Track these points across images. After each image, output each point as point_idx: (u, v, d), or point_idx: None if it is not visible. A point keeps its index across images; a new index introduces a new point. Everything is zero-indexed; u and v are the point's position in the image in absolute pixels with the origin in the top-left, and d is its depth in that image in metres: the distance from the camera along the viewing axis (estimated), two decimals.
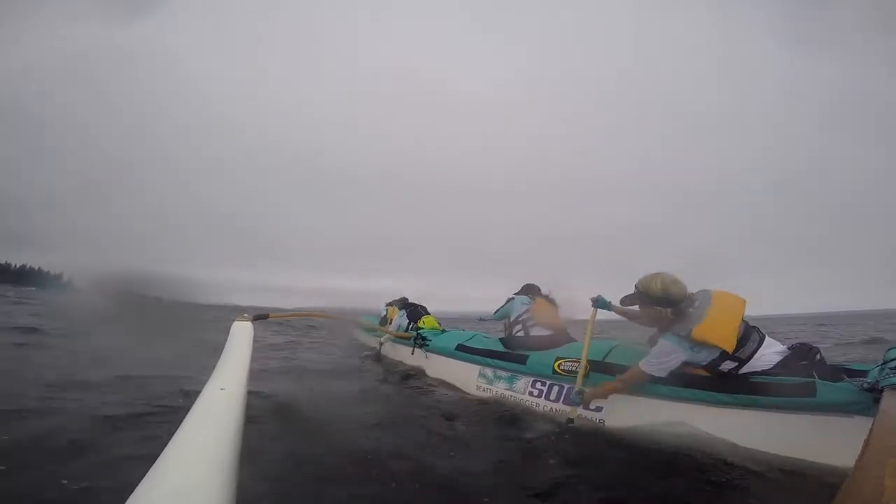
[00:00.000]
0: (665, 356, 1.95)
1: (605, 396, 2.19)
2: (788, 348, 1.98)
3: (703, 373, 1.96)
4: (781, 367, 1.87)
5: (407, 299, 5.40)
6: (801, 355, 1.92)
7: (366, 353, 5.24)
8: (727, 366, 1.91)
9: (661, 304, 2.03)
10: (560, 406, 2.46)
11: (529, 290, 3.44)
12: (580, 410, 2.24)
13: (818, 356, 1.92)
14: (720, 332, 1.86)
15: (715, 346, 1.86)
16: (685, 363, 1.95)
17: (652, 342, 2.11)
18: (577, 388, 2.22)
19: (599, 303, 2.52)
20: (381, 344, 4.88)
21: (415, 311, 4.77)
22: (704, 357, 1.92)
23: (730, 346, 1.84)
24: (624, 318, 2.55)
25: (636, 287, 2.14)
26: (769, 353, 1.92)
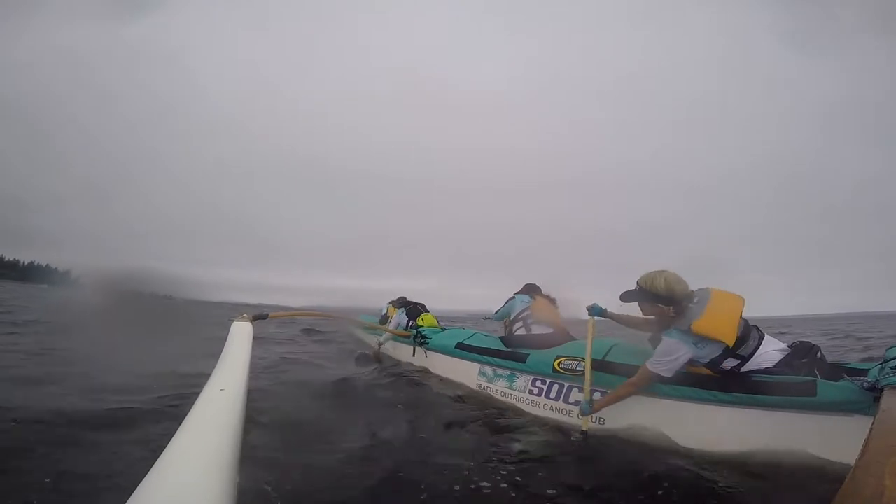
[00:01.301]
0: (672, 354, 1.93)
1: (615, 403, 2.13)
2: (788, 346, 1.98)
3: (705, 371, 1.96)
4: (783, 365, 1.87)
5: (405, 298, 5.41)
6: (802, 354, 1.92)
7: (366, 351, 5.24)
8: (729, 364, 1.90)
9: (665, 301, 2.03)
10: (560, 404, 2.46)
11: (530, 290, 3.44)
12: (590, 422, 2.18)
13: (819, 354, 1.92)
14: (720, 327, 1.85)
15: (717, 341, 1.86)
16: (689, 361, 1.94)
17: (653, 341, 2.10)
18: (585, 398, 2.18)
19: (595, 311, 2.51)
20: (380, 343, 4.89)
21: (414, 310, 4.78)
22: (707, 353, 1.91)
23: (730, 340, 1.84)
24: (620, 324, 2.54)
25: (638, 284, 2.13)
26: (770, 351, 1.91)
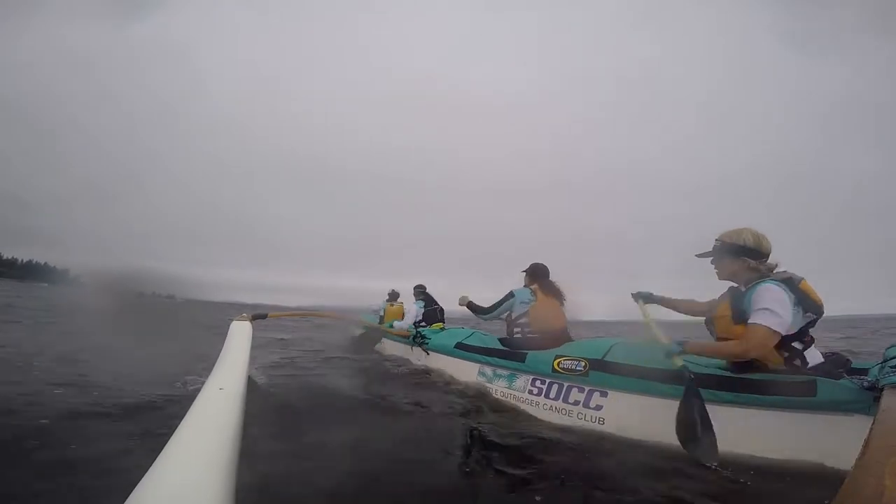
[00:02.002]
0: (784, 301, 1.70)
1: (706, 354, 1.97)
2: (823, 355, 1.88)
3: (704, 371, 1.95)
4: (826, 366, 1.80)
5: (424, 288, 5.13)
6: (840, 364, 1.85)
7: (365, 351, 5.24)
8: (798, 345, 1.77)
9: (752, 255, 1.88)
10: (560, 404, 2.46)
11: (536, 272, 3.30)
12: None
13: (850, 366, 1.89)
14: (817, 294, 1.75)
15: (813, 306, 1.74)
16: None
17: (736, 304, 1.88)
18: (668, 343, 1.98)
19: (643, 297, 2.38)
20: (380, 342, 4.89)
21: (432, 314, 4.62)
22: (797, 321, 1.74)
23: (821, 311, 1.73)
24: (672, 311, 2.39)
25: (720, 240, 1.99)
26: (814, 352, 1.84)
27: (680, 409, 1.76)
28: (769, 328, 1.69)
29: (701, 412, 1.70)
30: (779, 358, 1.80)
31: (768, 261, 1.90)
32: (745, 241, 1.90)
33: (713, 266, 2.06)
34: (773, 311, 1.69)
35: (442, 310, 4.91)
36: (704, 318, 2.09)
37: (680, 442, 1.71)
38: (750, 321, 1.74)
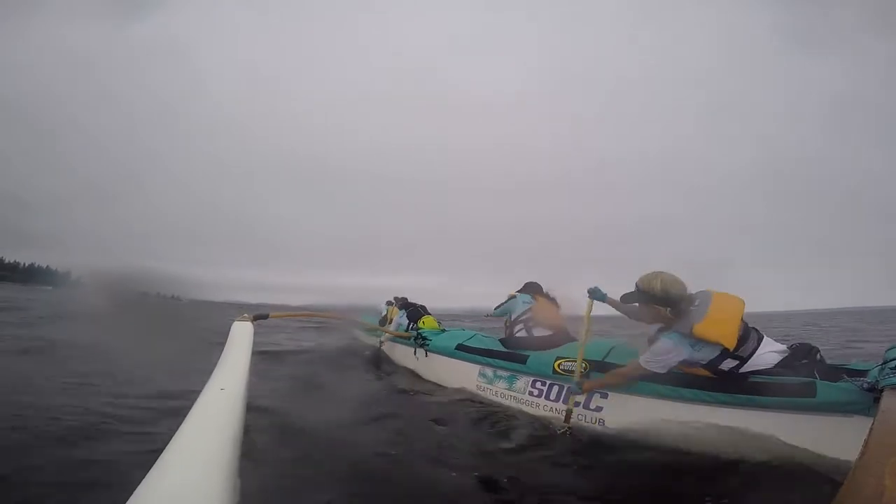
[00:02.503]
0: (665, 354, 1.95)
1: (602, 387, 2.24)
2: (788, 348, 1.98)
3: (704, 372, 1.96)
4: (781, 366, 1.87)
5: (406, 299, 5.39)
6: (801, 355, 1.92)
7: (366, 352, 5.24)
8: (727, 364, 1.91)
9: (661, 303, 2.04)
10: (561, 406, 2.45)
11: (531, 289, 3.42)
12: (578, 408, 2.27)
13: (818, 356, 1.92)
14: (721, 330, 1.86)
15: (717, 344, 1.86)
16: (685, 362, 1.95)
17: (652, 342, 2.11)
18: (575, 379, 2.28)
19: (596, 294, 2.53)
20: (381, 343, 4.88)
21: (415, 312, 4.76)
22: (705, 355, 1.92)
23: (731, 344, 1.85)
24: (619, 314, 2.54)
25: (637, 286, 2.14)
26: (768, 353, 1.92)
27: None
28: (642, 366, 2.03)
29: None
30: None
31: (684, 299, 2.03)
32: (654, 291, 2.05)
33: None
34: (655, 358, 1.99)
35: (423, 306, 4.99)
36: (650, 334, 2.21)
37: None
38: (639, 357, 2.06)
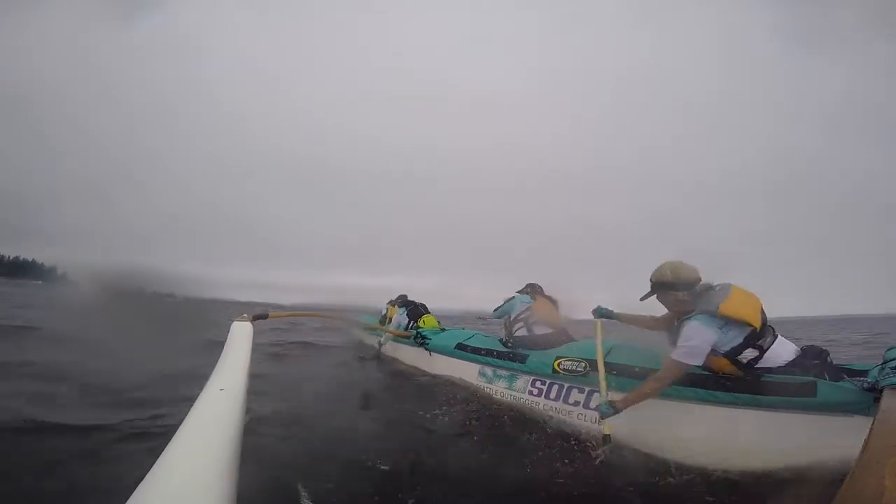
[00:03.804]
0: (696, 338, 1.85)
1: (640, 400, 1.94)
2: (800, 349, 1.95)
3: (725, 363, 1.93)
4: (794, 365, 1.85)
5: (406, 297, 5.39)
6: (813, 356, 1.90)
7: (366, 352, 5.24)
8: (748, 355, 1.87)
9: (675, 287, 2.04)
10: (560, 405, 2.45)
11: (531, 290, 3.43)
12: (609, 421, 1.92)
13: (828, 358, 1.90)
14: (747, 310, 1.85)
15: (744, 323, 1.84)
16: (713, 350, 1.88)
17: (673, 336, 2.04)
18: (603, 400, 2.00)
19: (600, 313, 2.49)
20: (380, 343, 4.88)
21: (415, 310, 4.76)
22: (732, 338, 1.88)
23: (757, 323, 1.83)
24: (630, 326, 2.51)
25: (650, 280, 2.15)
26: (782, 351, 1.90)
27: None
28: (677, 361, 1.88)
29: None
30: (737, 371, 1.90)
31: (699, 283, 2.04)
32: (664, 277, 2.07)
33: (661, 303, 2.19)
34: (687, 345, 1.87)
35: (423, 304, 4.98)
36: (668, 334, 2.17)
37: None
38: (669, 357, 1.93)
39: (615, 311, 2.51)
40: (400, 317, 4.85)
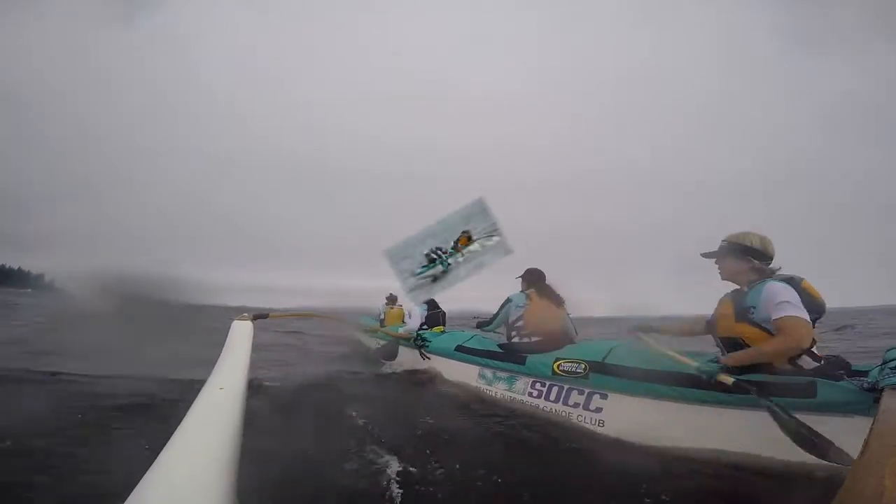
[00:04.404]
0: (793, 298, 1.74)
1: (752, 361, 1.83)
2: (824, 357, 1.89)
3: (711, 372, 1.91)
4: (823, 369, 1.81)
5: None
6: (838, 366, 1.86)
7: (365, 353, 5.24)
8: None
9: (758, 256, 1.95)
10: (560, 406, 2.45)
11: (532, 276, 3.33)
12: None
13: (850, 369, 1.89)
14: (819, 295, 1.81)
15: (818, 302, 1.80)
16: None
17: (740, 303, 1.92)
18: (704, 360, 1.95)
19: (643, 329, 2.34)
20: (379, 345, 4.88)
21: (434, 317, 4.62)
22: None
23: (824, 310, 1.80)
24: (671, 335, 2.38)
25: (726, 241, 2.05)
26: (811, 357, 1.84)
27: (783, 427, 1.55)
28: (805, 319, 1.68)
29: (797, 422, 1.51)
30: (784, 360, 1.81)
31: (771, 265, 1.96)
32: (751, 242, 1.97)
33: (717, 265, 2.10)
34: (795, 304, 1.70)
35: (444, 314, 4.88)
36: (705, 320, 2.12)
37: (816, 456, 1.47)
38: (780, 316, 1.71)
39: (652, 325, 2.37)
40: (421, 312, 4.57)
